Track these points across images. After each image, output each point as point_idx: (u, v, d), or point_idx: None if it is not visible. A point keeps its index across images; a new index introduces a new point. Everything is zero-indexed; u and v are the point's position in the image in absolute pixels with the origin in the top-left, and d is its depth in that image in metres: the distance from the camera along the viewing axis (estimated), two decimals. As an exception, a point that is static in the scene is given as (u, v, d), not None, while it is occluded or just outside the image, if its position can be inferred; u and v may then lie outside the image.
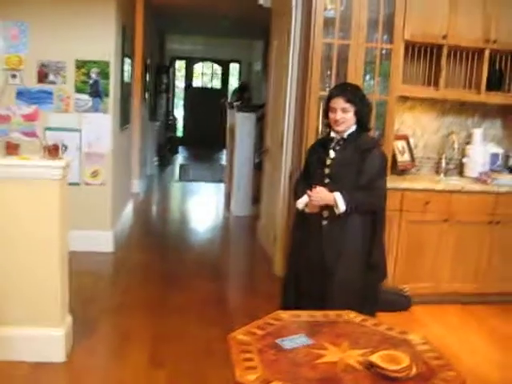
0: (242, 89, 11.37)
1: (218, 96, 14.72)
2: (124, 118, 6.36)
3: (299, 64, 4.90)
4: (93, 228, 5.52)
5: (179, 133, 15.02)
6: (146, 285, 4.91)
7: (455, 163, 5.17)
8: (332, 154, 3.26)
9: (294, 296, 3.36)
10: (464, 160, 5.06)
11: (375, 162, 3.21)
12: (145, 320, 4.19)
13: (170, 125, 13.55)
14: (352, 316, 2.34)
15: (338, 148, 3.27)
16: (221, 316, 4.35)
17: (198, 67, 15.64)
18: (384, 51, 4.61)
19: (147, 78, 9.32)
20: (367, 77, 4.65)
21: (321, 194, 3.15)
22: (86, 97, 5.53)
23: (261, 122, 7.03)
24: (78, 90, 5.51)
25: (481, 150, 5.02)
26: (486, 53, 4.78)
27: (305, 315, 2.32)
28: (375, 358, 1.89)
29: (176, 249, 6.22)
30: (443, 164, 5.08)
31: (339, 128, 3.24)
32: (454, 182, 4.81)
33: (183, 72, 15.57)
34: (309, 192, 3.19)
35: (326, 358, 1.96)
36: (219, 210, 8.37)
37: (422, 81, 4.85)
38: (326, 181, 3.22)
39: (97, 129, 5.54)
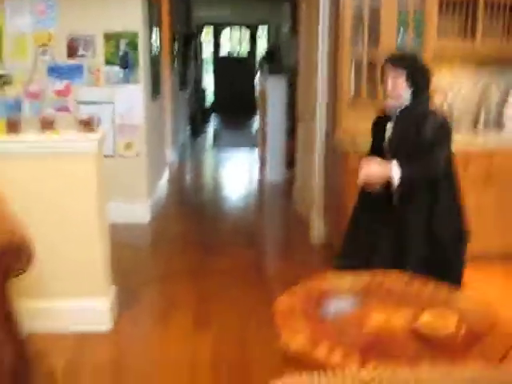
0: (271, 52, 11.22)
1: (247, 61, 14.60)
2: (155, 89, 6.34)
3: (330, 24, 4.79)
4: (130, 200, 5.56)
5: (210, 100, 14.97)
6: (185, 253, 4.95)
7: (495, 116, 5.01)
8: (390, 129, 3.13)
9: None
10: (506, 111, 4.89)
11: (430, 128, 2.99)
12: (187, 286, 4.24)
13: (200, 93, 13.50)
14: (399, 276, 2.31)
15: (395, 122, 3.12)
16: (259, 281, 4.38)
17: (225, 32, 15.49)
18: (418, 4, 4.47)
19: (175, 47, 9.26)
20: (401, 34, 4.52)
21: (371, 166, 3.00)
22: (116, 69, 5.52)
23: (292, 85, 6.93)
24: (108, 63, 5.50)
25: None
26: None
27: (351, 276, 2.30)
28: (422, 321, 1.87)
29: (212, 217, 6.24)
30: (482, 118, 4.94)
31: (390, 101, 3.08)
32: (494, 138, 4.68)
33: (211, 38, 15.43)
34: (361, 165, 3.06)
35: (372, 320, 1.94)
36: (253, 176, 8.35)
37: (456, 34, 4.69)
38: (389, 156, 3.07)
39: (128, 100, 5.53)
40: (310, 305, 2.07)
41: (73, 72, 5.49)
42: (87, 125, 3.53)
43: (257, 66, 12.71)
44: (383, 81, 3.11)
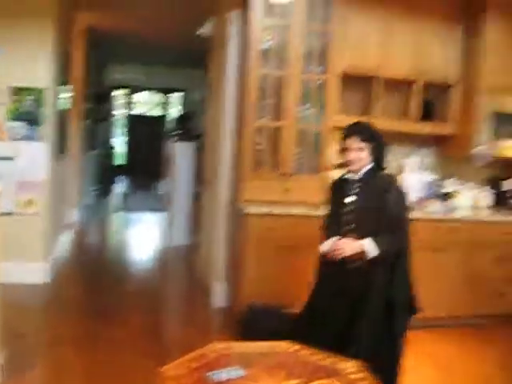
0: (184, 118, 11.34)
1: (158, 125, 14.68)
2: (61, 147, 6.24)
3: (236, 94, 4.95)
4: (27, 259, 5.35)
5: (119, 161, 14.84)
6: (82, 318, 4.76)
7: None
8: (351, 197, 3.20)
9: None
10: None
11: (396, 201, 3.12)
12: (79, 355, 4.05)
13: (110, 153, 13.38)
14: (287, 346, 2.33)
15: (357, 191, 3.20)
16: (157, 348, 4.27)
17: (139, 96, 15.56)
18: (319, 82, 4.71)
19: (87, 106, 9.20)
20: (303, 107, 4.73)
21: (347, 246, 3.08)
22: (20, 125, 5.40)
23: (200, 151, 7.03)
24: (13, 118, 5.38)
25: (415, 178, 5.15)
26: (417, 84, 4.98)
27: (239, 346, 2.30)
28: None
29: (114, 280, 6.08)
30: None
31: (354, 167, 3.19)
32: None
33: (124, 101, 15.45)
34: (335, 243, 3.14)
35: (257, 390, 1.94)
36: (159, 240, 8.26)
37: (356, 111, 4.98)
38: (352, 226, 3.17)
39: (32, 157, 5.40)
40: (197, 375, 2.04)
41: (-26, 126, 5.32)
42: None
43: (168, 129, 12.79)
44: (345, 150, 3.20)
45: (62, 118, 6.34)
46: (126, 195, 12.14)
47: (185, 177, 7.50)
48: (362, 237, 3.10)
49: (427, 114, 5.15)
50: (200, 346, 2.35)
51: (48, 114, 5.47)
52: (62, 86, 6.26)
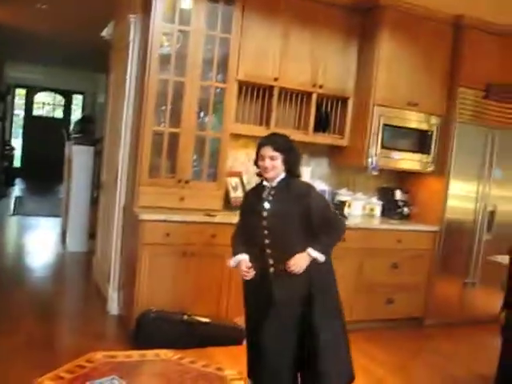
0: (84, 121, 11.10)
1: (59, 127, 14.21)
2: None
3: (135, 98, 4.89)
4: None
5: (17, 163, 14.28)
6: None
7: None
8: (267, 205, 3.26)
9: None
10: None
11: (318, 202, 3.27)
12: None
13: (7, 155, 12.85)
14: (170, 355, 2.32)
15: (271, 198, 3.27)
16: (49, 358, 4.08)
17: (39, 97, 15.05)
18: (218, 90, 4.74)
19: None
20: (201, 114, 4.75)
21: (299, 263, 3.17)
22: None
23: (99, 155, 6.88)
24: None
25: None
26: (314, 96, 5.13)
27: (121, 356, 2.26)
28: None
29: (5, 288, 5.81)
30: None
31: (268, 175, 3.26)
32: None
33: (23, 101, 14.90)
34: (289, 267, 3.17)
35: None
36: (54, 245, 7.98)
37: (254, 120, 5.05)
38: (265, 232, 3.23)
39: None
40: (74, 384, 1.99)
41: None
42: None
43: (69, 132, 12.45)
44: (260, 158, 3.27)
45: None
46: (22, 198, 11.67)
47: (83, 181, 7.30)
48: (276, 244, 3.22)
49: (323, 125, 5.29)
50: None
51: None
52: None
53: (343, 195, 5.50)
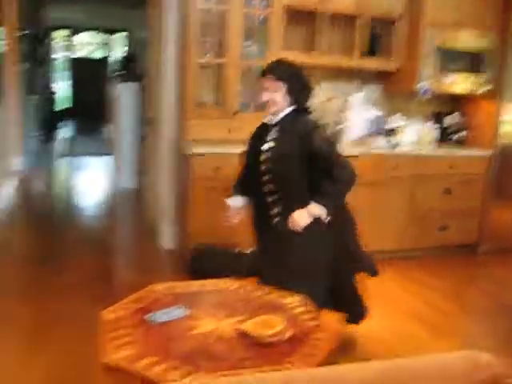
0: (129, 59, 11.01)
1: (101, 67, 14.23)
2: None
3: (178, 30, 4.78)
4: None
5: (62, 106, 14.40)
6: (29, 266, 4.66)
7: (335, 129, 5.25)
8: (266, 145, 2.89)
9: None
10: (343, 125, 5.14)
11: (321, 143, 2.80)
12: (26, 303, 3.97)
13: (50, 98, 12.94)
14: (229, 284, 2.32)
15: (274, 136, 2.88)
16: (107, 293, 4.19)
17: (81, 37, 15.00)
18: (262, 17, 4.59)
19: (23, 49, 8.79)
20: (247, 43, 4.61)
21: (298, 221, 2.77)
22: None
23: (145, 91, 6.84)
24: None
25: (359, 115, 5.13)
26: (361, 19, 4.90)
27: (181, 286, 2.27)
28: (247, 326, 1.88)
29: (62, 226, 5.96)
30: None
31: (270, 110, 2.90)
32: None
33: (64, 42, 14.87)
34: (290, 223, 2.80)
35: (199, 328, 1.92)
36: (106, 183, 8.11)
37: (299, 47, 4.88)
38: (265, 178, 2.87)
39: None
40: (137, 315, 2.01)
41: None
42: None
43: (112, 71, 12.42)
44: (262, 90, 2.92)
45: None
46: (71, 140, 11.83)
47: (129, 118, 7.30)
48: (278, 192, 2.86)
49: (372, 49, 5.09)
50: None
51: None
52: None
53: (395, 122, 5.34)
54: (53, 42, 14.08)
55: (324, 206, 2.74)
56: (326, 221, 2.82)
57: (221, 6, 4.46)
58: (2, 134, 6.54)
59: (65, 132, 12.80)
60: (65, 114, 14.03)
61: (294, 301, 2.22)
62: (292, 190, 2.86)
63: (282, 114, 2.90)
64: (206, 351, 1.77)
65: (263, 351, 1.79)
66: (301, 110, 2.93)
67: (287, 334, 1.88)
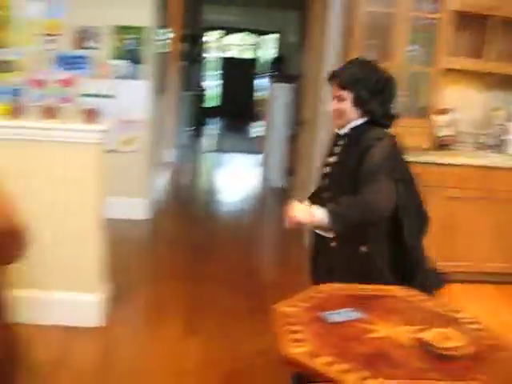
0: (280, 60, 11.21)
1: (251, 67, 14.58)
2: (159, 87, 6.30)
3: (340, 34, 4.77)
4: (127, 195, 5.49)
5: (211, 103, 14.94)
6: (180, 254, 4.89)
7: (499, 140, 5.00)
8: (331, 159, 2.60)
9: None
10: (506, 137, 4.88)
11: (373, 158, 2.37)
12: (179, 289, 4.18)
13: (201, 95, 13.46)
14: (399, 291, 2.27)
15: (338, 151, 2.57)
16: (253, 287, 4.32)
17: (232, 38, 15.48)
18: (429, 21, 4.46)
19: (182, 48, 9.22)
20: (412, 47, 4.51)
21: (297, 212, 2.42)
22: (122, 63, 5.47)
23: (297, 93, 6.91)
24: (115, 57, 5.45)
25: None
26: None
27: (349, 289, 2.25)
28: (427, 336, 1.82)
29: (209, 219, 6.20)
30: (485, 140, 4.93)
31: (336, 122, 2.57)
32: (495, 159, 4.65)
33: (216, 43, 15.42)
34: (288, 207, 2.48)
35: (376, 333, 1.89)
36: (254, 181, 8.30)
37: (467, 52, 4.69)
38: (325, 195, 2.58)
39: (132, 96, 5.48)
40: (310, 314, 2.01)
41: (78, 63, 5.44)
42: (91, 115, 3.49)
43: (261, 72, 12.69)
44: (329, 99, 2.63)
45: (162, 58, 6.38)
46: (218, 136, 12.23)
47: (282, 118, 7.42)
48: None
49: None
50: (297, 287, 2.32)
51: (148, 52, 5.51)
52: (163, 26, 6.27)
53: None
54: (206, 42, 14.63)
55: (329, 212, 2.32)
56: (328, 234, 2.49)
57: (388, 8, 4.39)
58: (161, 127, 6.90)
59: (212, 128, 13.27)
60: (213, 112, 14.54)
61: (467, 316, 2.12)
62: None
63: (350, 126, 2.52)
64: (384, 356, 1.74)
65: (444, 364, 1.72)
66: (375, 121, 2.49)
67: (469, 350, 1.80)
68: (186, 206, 6.67)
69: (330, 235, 2.49)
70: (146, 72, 5.51)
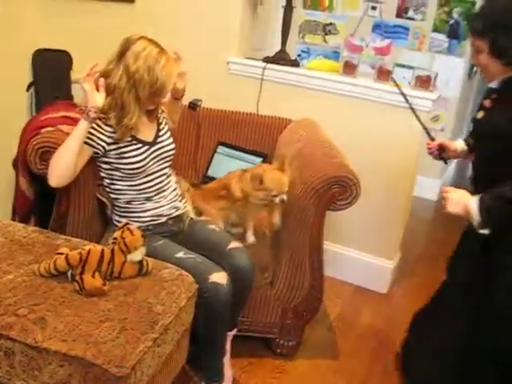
0: None
1: None
2: (473, 66, 5.98)
3: None
4: (421, 174, 5.33)
5: None
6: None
7: None
8: (480, 113, 2.14)
9: None
10: None
11: None
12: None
13: None
14: None
15: (486, 106, 2.12)
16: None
17: None
18: None
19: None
20: None
21: (452, 200, 2.10)
22: (442, 37, 5.29)
23: None
24: (436, 30, 5.29)
25: None
26: None
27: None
28: None
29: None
30: None
31: (485, 75, 2.11)
32: None
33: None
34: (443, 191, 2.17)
35: None
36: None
37: None
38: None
39: (447, 72, 5.26)
40: None
41: (397, 33, 5.39)
42: (425, 82, 3.41)
43: None
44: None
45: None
46: None
47: None
48: (479, 181, 2.11)
49: None
50: None
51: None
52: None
53: None
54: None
55: (487, 209, 1.90)
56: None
57: None
58: (465, 108, 6.59)
59: None
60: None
61: None
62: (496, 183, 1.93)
63: (500, 79, 2.02)
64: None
65: None
66: None
67: None
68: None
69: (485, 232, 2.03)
70: (465, 49, 5.25)
